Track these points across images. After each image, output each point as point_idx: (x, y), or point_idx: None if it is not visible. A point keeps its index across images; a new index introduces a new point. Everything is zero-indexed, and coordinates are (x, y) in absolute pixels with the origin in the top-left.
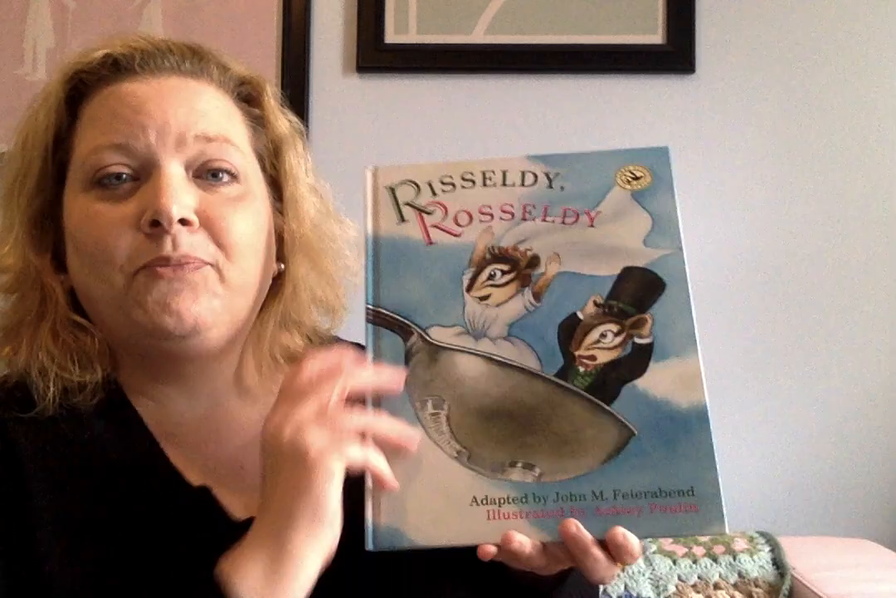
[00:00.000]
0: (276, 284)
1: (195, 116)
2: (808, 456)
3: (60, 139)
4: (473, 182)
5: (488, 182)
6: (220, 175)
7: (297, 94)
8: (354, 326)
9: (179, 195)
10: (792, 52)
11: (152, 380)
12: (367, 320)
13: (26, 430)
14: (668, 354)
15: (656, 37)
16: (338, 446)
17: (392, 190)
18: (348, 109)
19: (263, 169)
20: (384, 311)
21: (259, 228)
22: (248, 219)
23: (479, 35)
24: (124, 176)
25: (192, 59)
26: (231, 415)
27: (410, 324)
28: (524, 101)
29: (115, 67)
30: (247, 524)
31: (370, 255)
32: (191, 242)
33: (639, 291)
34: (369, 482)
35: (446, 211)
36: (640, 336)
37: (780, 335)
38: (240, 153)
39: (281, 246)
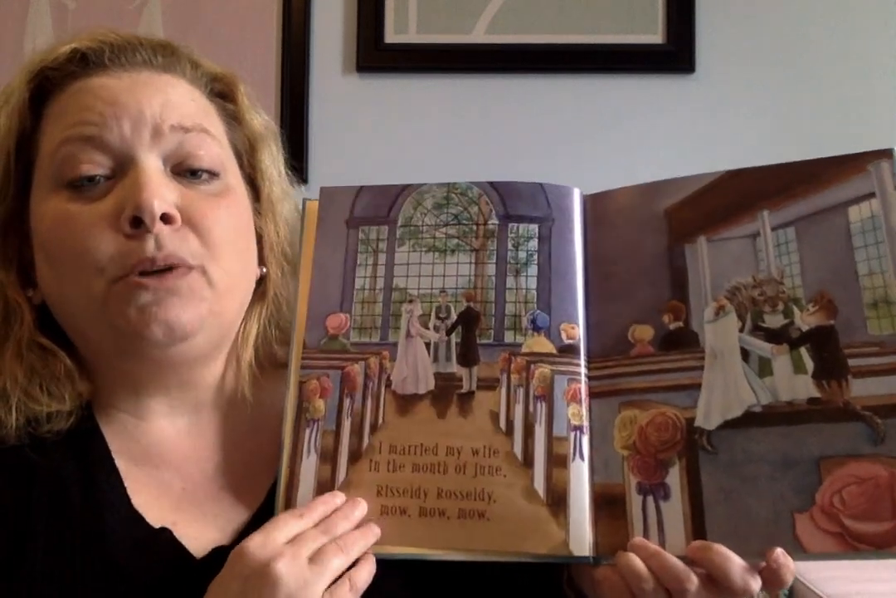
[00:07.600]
0: (259, 289)
1: (170, 107)
2: None
3: (25, 141)
4: None
5: None
6: (200, 174)
7: (297, 95)
8: None
9: (160, 189)
10: (792, 52)
11: (134, 394)
12: None
13: None
14: None
15: (656, 37)
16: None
17: None
18: (348, 109)
19: (241, 166)
20: None
21: (240, 227)
22: (230, 216)
23: (480, 35)
24: (98, 178)
25: (163, 54)
26: (214, 427)
27: None
28: (524, 101)
29: (84, 62)
30: (207, 562)
31: None
32: (175, 242)
33: None
34: None
35: None
36: None
37: None
38: (218, 144)
39: (261, 249)
